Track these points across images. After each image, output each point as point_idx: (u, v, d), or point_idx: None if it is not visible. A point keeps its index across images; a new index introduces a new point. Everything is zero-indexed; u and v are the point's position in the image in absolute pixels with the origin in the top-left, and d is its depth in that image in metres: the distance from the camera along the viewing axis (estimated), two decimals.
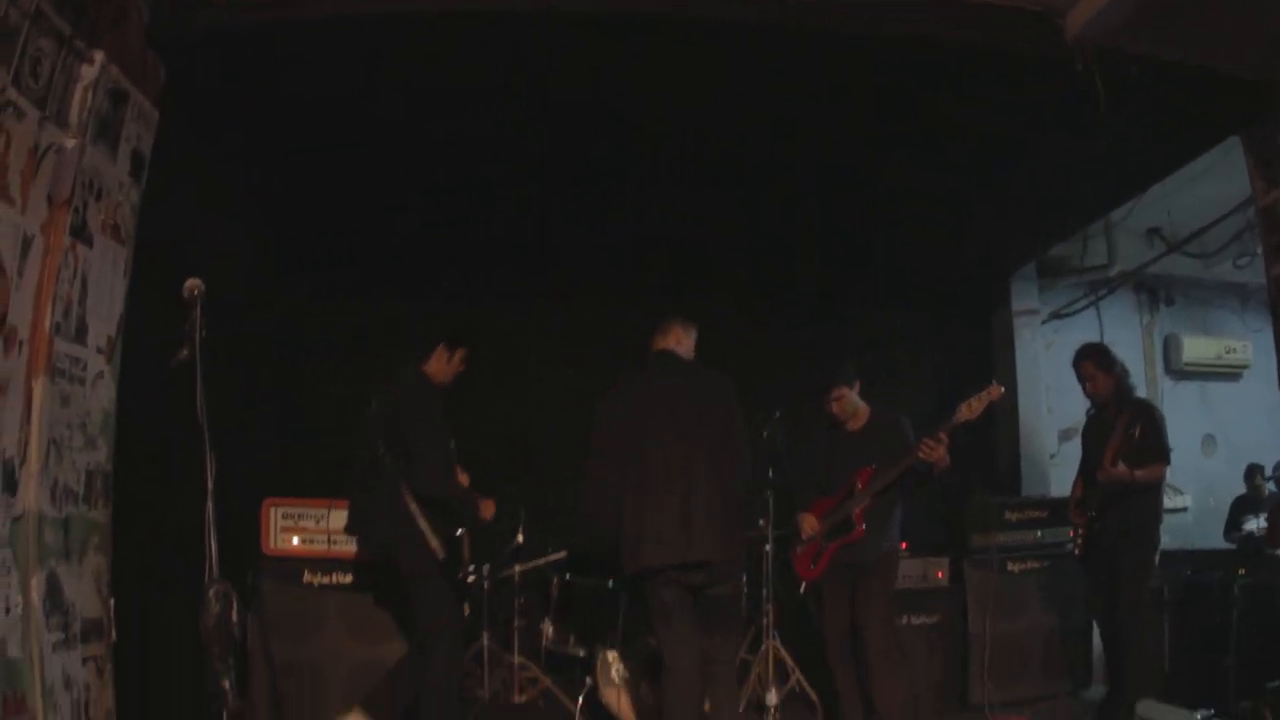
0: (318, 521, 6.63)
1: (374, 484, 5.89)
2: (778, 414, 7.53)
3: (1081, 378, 7.05)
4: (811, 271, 8.95)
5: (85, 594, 4.27)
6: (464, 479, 6.34)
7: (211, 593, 3.95)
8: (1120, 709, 6.59)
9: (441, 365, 6.17)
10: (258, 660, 6.25)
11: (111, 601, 4.45)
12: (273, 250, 7.90)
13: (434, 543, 5.69)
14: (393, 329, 8.47)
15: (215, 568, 3.99)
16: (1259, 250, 8.87)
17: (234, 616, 4.01)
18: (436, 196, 7.68)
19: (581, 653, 7.27)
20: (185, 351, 4.18)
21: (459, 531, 6.03)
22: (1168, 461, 6.75)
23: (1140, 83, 5.55)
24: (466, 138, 6.74)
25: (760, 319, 9.49)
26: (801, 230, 8.33)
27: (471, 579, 6.51)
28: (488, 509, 6.22)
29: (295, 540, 6.62)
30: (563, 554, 7.60)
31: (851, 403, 6.66)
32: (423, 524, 5.68)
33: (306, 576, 6.59)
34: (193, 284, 4.20)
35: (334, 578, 6.61)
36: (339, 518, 6.52)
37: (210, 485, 4.07)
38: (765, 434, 7.42)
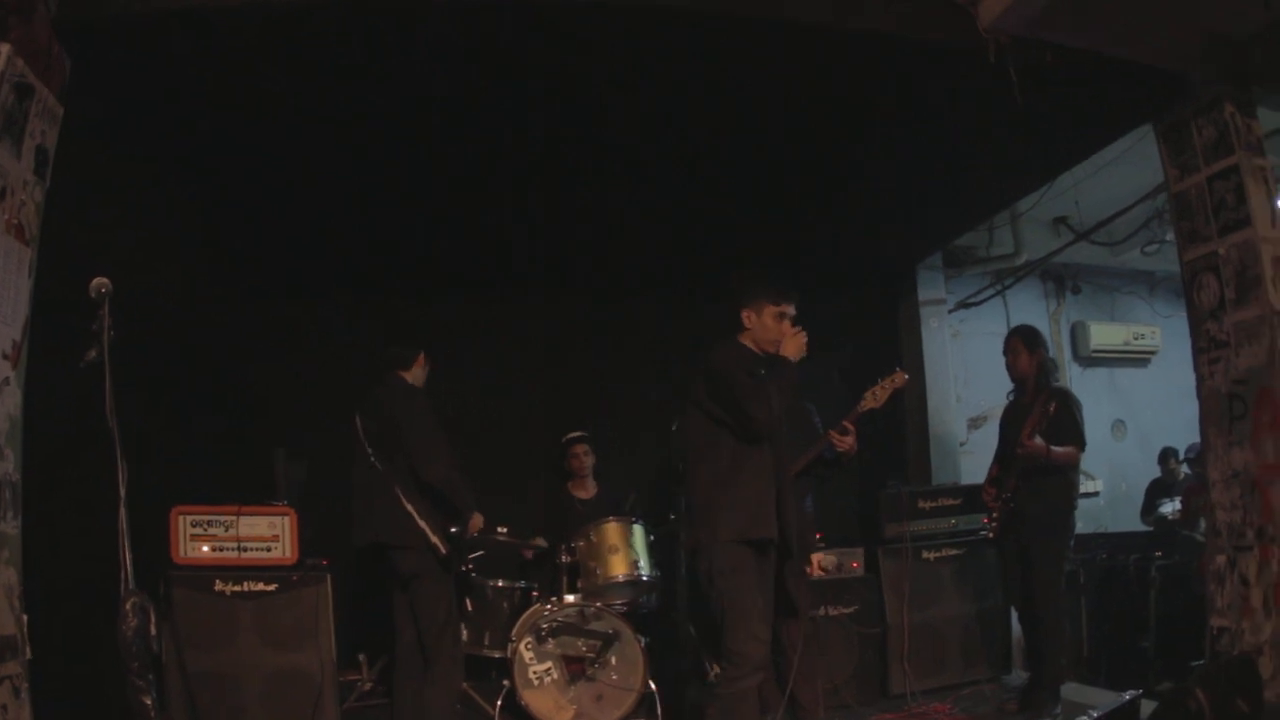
0: (227, 529, 6.40)
1: (370, 492, 6.03)
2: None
3: (1006, 351, 7.17)
4: (717, 262, 8.89)
5: None
6: None
7: (129, 605, 3.82)
8: (1044, 693, 6.68)
9: (421, 373, 6.39)
10: (173, 672, 6.03)
11: (25, 618, 4.25)
12: (193, 252, 7.72)
13: (434, 539, 5.82)
14: (306, 333, 8.39)
15: (130, 578, 3.86)
16: (1168, 237, 9.10)
17: (153, 629, 3.88)
18: (368, 203, 7.54)
19: (497, 654, 7.23)
20: (93, 352, 4.05)
21: (453, 529, 6.13)
22: (1083, 446, 6.84)
23: (1053, 72, 5.57)
24: (400, 138, 6.59)
25: (667, 310, 9.52)
26: (706, 221, 8.24)
27: (471, 571, 6.71)
28: (476, 520, 6.35)
29: (205, 549, 6.39)
30: (478, 553, 7.55)
31: None
32: (422, 523, 5.80)
33: (218, 585, 6.36)
34: (100, 282, 4.10)
35: (245, 586, 6.40)
36: (249, 524, 6.46)
37: (123, 492, 3.95)
38: (674, 428, 7.44)
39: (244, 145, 6.43)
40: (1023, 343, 7.07)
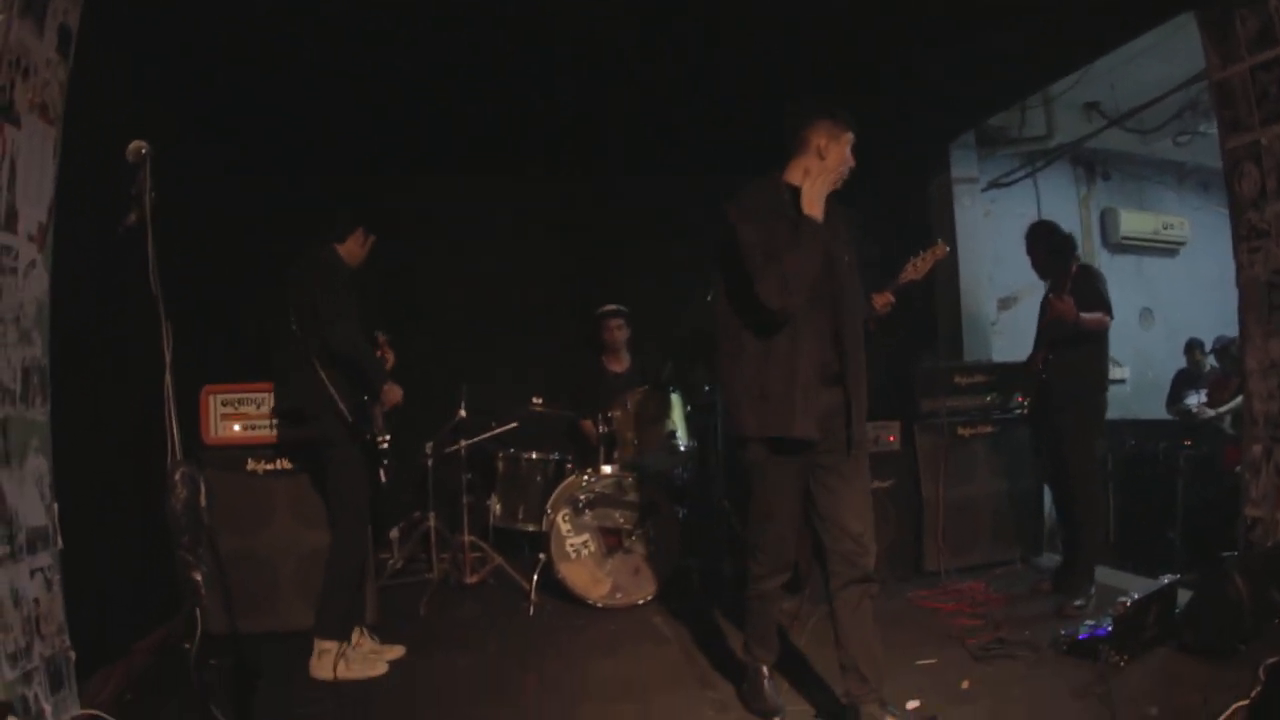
0: (258, 407, 6.44)
1: (289, 359, 5.80)
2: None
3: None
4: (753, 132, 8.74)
5: (28, 501, 4.02)
6: (389, 358, 6.55)
7: (177, 476, 3.73)
8: (1078, 574, 6.67)
9: (356, 248, 6.10)
10: (206, 553, 6.01)
11: (55, 507, 4.21)
12: (206, 126, 7.54)
13: (341, 406, 5.61)
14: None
15: (178, 449, 3.77)
16: (1200, 128, 8.98)
17: (203, 500, 3.82)
18: (389, 85, 7.45)
19: (530, 528, 7.30)
20: (133, 216, 3.93)
21: (365, 398, 5.91)
22: (1110, 313, 6.71)
23: None
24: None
25: (698, 180, 9.28)
26: (743, 90, 7.98)
27: (384, 444, 6.33)
28: (393, 393, 6.11)
29: (236, 427, 6.44)
30: (513, 425, 7.63)
31: None
32: (331, 390, 5.60)
33: (250, 464, 6.40)
34: (138, 145, 3.91)
35: (279, 464, 6.43)
36: None
37: (168, 358, 3.84)
38: (710, 298, 7.43)
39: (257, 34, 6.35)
40: (1029, 244, 7.09)
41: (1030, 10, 6.52)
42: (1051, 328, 6.72)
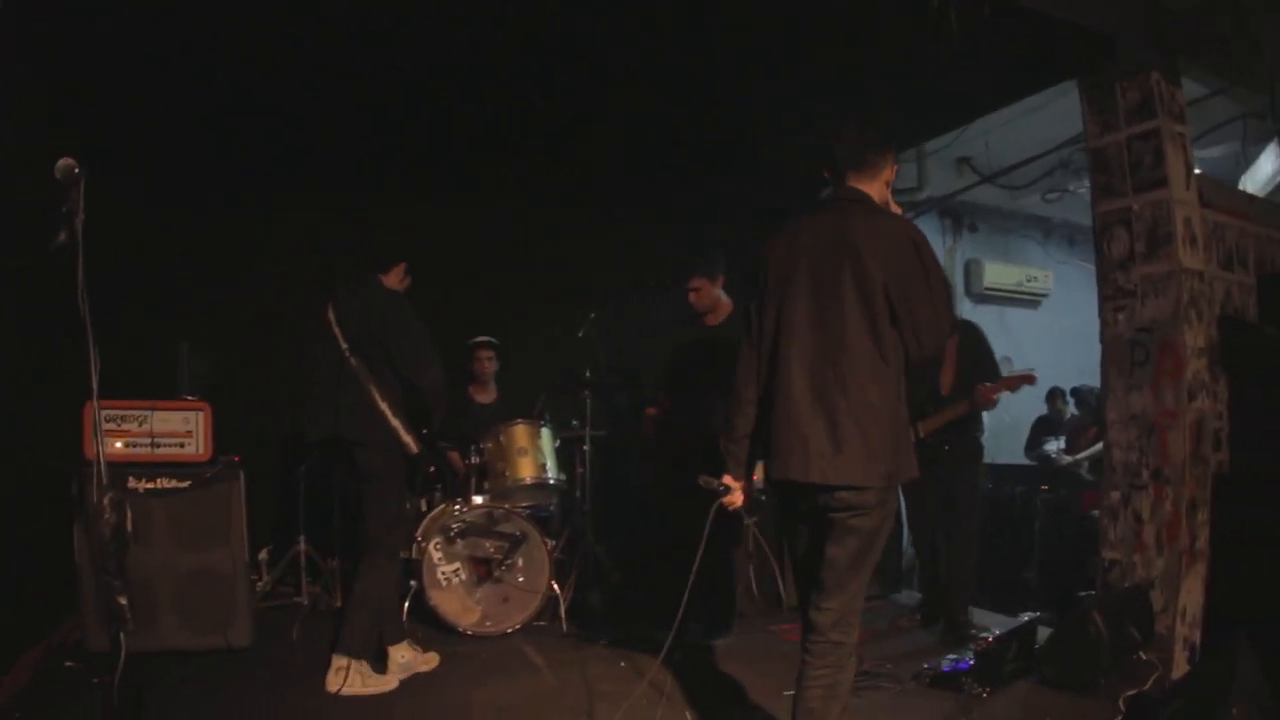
0: (141, 424, 6.29)
1: (338, 385, 5.77)
2: (593, 315, 7.78)
3: None
4: (628, 181, 8.92)
5: None
6: None
7: (106, 501, 3.70)
8: (945, 613, 6.96)
9: (397, 282, 6.06)
10: (86, 573, 5.87)
11: None
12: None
13: (407, 437, 5.67)
14: (211, 231, 8.14)
15: (104, 474, 3.73)
16: (1069, 187, 9.41)
17: (129, 525, 3.78)
18: (277, 104, 7.28)
19: (402, 554, 7.30)
20: (64, 235, 3.92)
21: (425, 430, 6.02)
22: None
23: (992, 22, 5.63)
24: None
25: (571, 223, 9.43)
26: (638, 134, 8.15)
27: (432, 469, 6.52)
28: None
29: (118, 444, 6.26)
30: None
31: (711, 296, 6.70)
32: (395, 422, 5.64)
33: (131, 482, 6.20)
34: (67, 164, 3.82)
35: (159, 483, 6.27)
36: (162, 419, 6.34)
37: (95, 384, 3.78)
38: (581, 333, 7.68)
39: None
40: None
41: (916, 70, 6.74)
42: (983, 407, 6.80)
